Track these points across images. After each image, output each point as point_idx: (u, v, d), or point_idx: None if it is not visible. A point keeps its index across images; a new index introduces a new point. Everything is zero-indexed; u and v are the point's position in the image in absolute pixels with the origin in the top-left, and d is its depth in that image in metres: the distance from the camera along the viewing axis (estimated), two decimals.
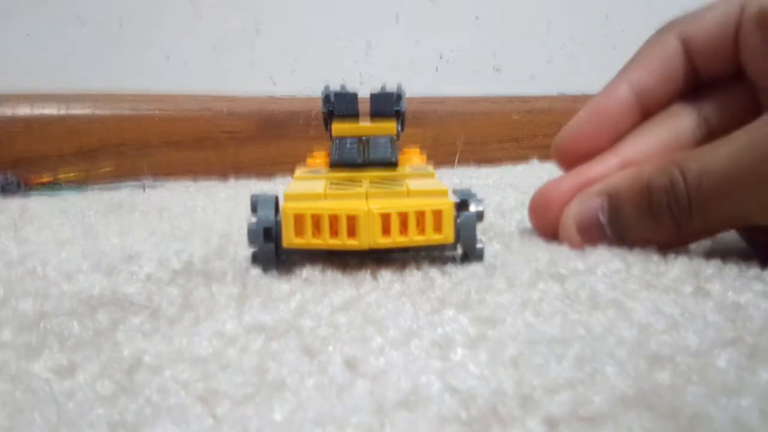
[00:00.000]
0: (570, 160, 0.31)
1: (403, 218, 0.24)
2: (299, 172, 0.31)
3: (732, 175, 0.24)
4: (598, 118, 0.30)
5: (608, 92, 0.30)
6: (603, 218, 0.27)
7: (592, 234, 0.28)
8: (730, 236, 0.29)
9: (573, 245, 0.28)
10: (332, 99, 0.32)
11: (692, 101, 0.29)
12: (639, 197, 0.26)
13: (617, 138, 0.30)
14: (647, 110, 0.30)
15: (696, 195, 0.25)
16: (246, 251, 0.28)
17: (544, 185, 0.30)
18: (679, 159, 0.26)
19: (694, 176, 0.25)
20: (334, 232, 0.24)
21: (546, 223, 0.30)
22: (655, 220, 0.26)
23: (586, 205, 0.28)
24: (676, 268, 0.25)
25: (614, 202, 0.27)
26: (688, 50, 0.29)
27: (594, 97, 0.30)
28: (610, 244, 0.28)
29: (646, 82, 0.29)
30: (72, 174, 0.50)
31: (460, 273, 0.25)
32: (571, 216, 0.29)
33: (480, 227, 0.26)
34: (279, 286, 0.24)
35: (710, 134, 0.28)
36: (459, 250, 0.27)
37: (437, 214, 0.24)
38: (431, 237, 0.25)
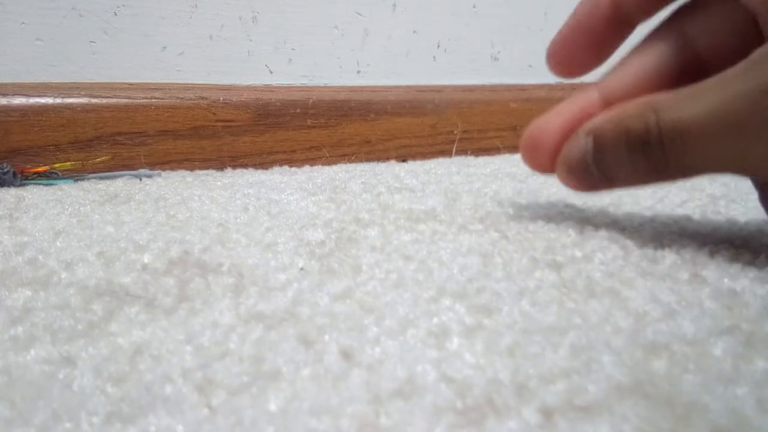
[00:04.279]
0: (563, 71, 0.31)
1: None
2: None
3: (704, 130, 0.24)
4: (581, 34, 0.30)
5: (591, 3, 0.30)
6: (589, 159, 0.28)
7: (581, 176, 0.28)
8: (722, 221, 0.29)
9: (569, 187, 0.29)
10: None
11: (678, 21, 0.29)
12: (619, 140, 0.26)
13: (604, 49, 0.30)
14: (631, 21, 0.30)
15: (669, 145, 0.25)
16: (244, 240, 0.28)
17: (532, 126, 0.31)
18: (656, 103, 0.25)
19: (667, 127, 0.25)
20: None
21: (537, 164, 0.30)
22: (634, 164, 0.26)
23: (574, 146, 0.28)
24: (673, 253, 0.25)
25: (598, 143, 0.27)
26: None
27: (578, 6, 0.30)
28: (597, 185, 0.28)
29: None
30: (68, 164, 0.49)
31: (457, 262, 0.25)
32: (561, 159, 0.29)
33: (478, 215, 0.26)
34: (275, 275, 0.24)
35: (695, 59, 0.28)
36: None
37: None
38: None
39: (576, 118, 0.29)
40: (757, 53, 0.23)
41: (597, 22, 0.30)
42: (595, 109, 0.29)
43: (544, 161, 0.30)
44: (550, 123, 0.30)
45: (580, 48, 0.30)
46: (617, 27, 0.30)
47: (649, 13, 0.29)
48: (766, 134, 0.22)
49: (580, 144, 0.28)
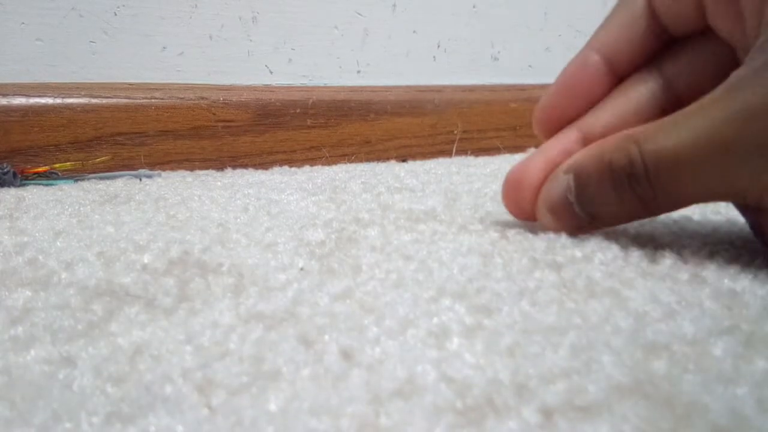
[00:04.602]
0: (551, 134, 0.31)
1: None
2: None
3: (690, 156, 0.23)
4: (571, 92, 0.30)
5: (579, 62, 0.30)
6: (571, 197, 0.27)
7: (564, 215, 0.28)
8: (722, 221, 0.29)
9: (551, 229, 0.28)
10: None
11: (658, 64, 0.29)
12: (602, 175, 0.26)
13: (591, 106, 0.30)
14: (619, 74, 0.30)
15: (655, 175, 0.24)
16: (244, 240, 0.28)
17: (512, 170, 0.30)
18: (637, 135, 0.25)
19: (651, 157, 0.24)
20: None
21: (519, 208, 0.30)
22: (620, 198, 0.26)
23: (555, 186, 0.28)
24: (673, 253, 0.25)
25: (580, 181, 0.27)
26: (653, 8, 0.28)
27: (566, 67, 0.30)
28: (581, 224, 0.27)
29: (615, 46, 0.29)
30: (68, 164, 0.49)
31: (457, 262, 0.25)
32: (542, 199, 0.29)
33: (478, 215, 0.26)
34: (275, 275, 0.24)
35: (675, 99, 0.28)
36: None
37: None
38: None
39: (557, 158, 0.29)
40: (734, 77, 0.23)
41: (586, 82, 0.30)
42: (576, 149, 0.29)
43: (526, 204, 0.29)
44: (531, 165, 0.30)
45: (568, 110, 0.30)
46: (607, 84, 0.30)
47: (639, 65, 0.29)
48: (751, 157, 0.22)
49: (560, 183, 0.28)
